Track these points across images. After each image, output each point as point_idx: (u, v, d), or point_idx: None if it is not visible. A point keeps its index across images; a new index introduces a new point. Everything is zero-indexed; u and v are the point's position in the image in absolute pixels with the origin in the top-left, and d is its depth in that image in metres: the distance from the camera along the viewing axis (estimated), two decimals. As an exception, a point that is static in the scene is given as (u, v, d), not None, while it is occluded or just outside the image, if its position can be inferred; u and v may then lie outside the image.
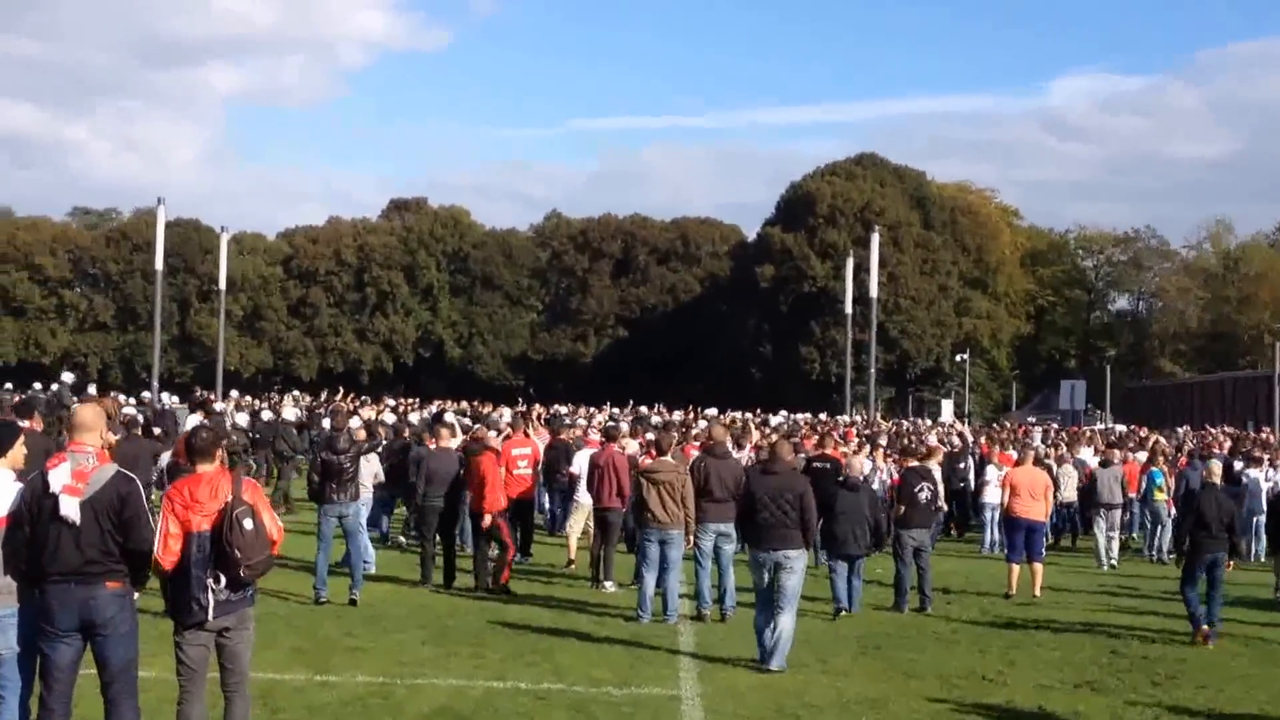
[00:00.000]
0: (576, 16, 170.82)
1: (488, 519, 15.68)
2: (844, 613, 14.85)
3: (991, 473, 22.76)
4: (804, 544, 12.05)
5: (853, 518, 14.84)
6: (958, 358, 79.38)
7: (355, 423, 20.71)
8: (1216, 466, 15.35)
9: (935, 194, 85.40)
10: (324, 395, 41.51)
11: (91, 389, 38.11)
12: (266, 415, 28.54)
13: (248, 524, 7.17)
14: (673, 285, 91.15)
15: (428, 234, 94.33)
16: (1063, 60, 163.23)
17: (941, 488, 17.69)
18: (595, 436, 20.65)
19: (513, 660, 11.46)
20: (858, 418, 45.82)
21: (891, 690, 10.98)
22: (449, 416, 28.45)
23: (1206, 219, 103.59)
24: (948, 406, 65.71)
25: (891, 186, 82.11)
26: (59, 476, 6.97)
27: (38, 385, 40.64)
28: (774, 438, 21.00)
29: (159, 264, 42.80)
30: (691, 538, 14.22)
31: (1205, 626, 14.09)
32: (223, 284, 51.73)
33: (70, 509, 6.91)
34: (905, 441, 24.54)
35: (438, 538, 16.33)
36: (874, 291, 46.68)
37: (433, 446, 17.25)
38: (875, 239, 47.24)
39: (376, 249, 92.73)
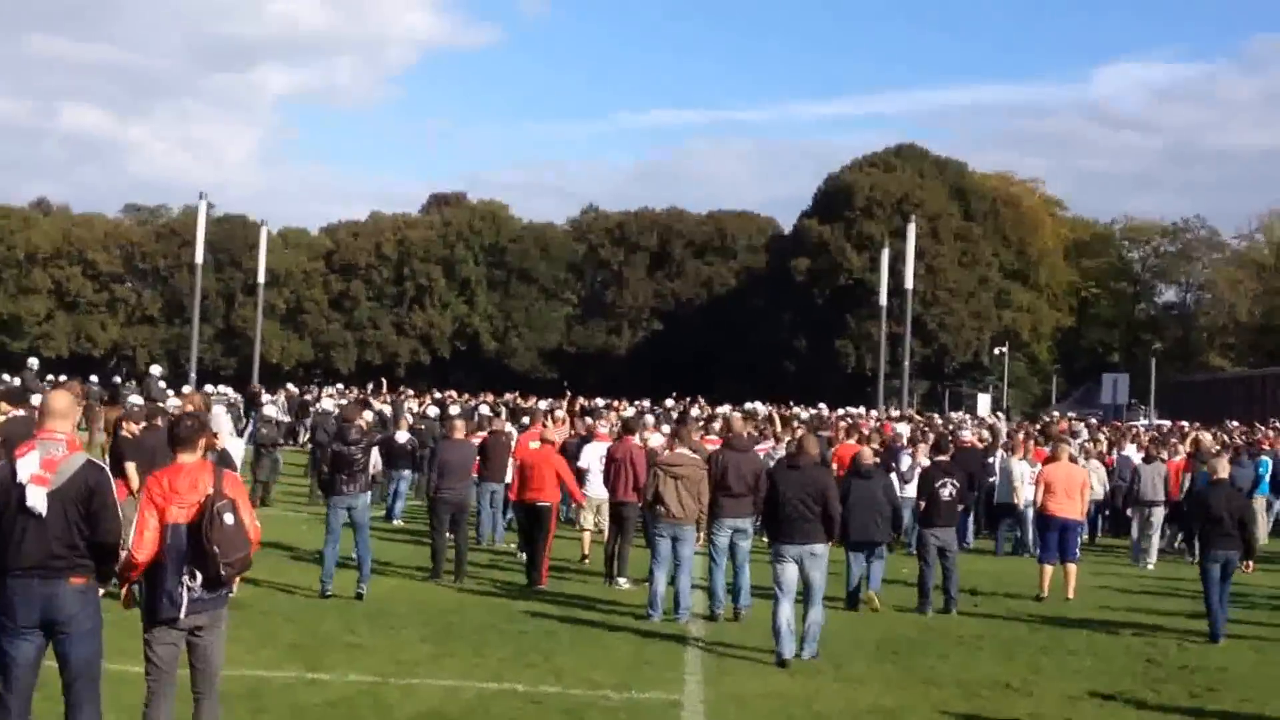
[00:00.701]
0: (622, 13, 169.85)
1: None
2: (874, 602, 14.91)
3: (1021, 470, 21.85)
4: (828, 538, 12.05)
5: (868, 505, 14.78)
6: (996, 351, 78.27)
7: (367, 415, 20.37)
8: (1223, 463, 15.22)
9: (976, 185, 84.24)
10: (370, 387, 41.22)
11: (187, 387, 38.12)
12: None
13: (228, 519, 6.83)
14: (708, 278, 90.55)
15: (466, 228, 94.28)
16: (1107, 48, 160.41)
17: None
18: (604, 430, 20.15)
19: (512, 661, 11.05)
20: (895, 411, 45.07)
21: (908, 699, 10.46)
22: (484, 409, 28.28)
23: (1260, 210, 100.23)
24: (984, 400, 64.62)
25: (931, 177, 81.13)
26: (27, 466, 6.65)
27: (94, 378, 40.93)
28: (799, 431, 20.53)
29: (199, 258, 42.85)
30: (703, 534, 13.74)
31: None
32: (261, 277, 51.77)
33: (36, 500, 6.58)
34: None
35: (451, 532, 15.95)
36: (909, 283, 45.95)
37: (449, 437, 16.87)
38: (911, 229, 46.48)
39: (416, 243, 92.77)
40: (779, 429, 23.70)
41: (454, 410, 27.55)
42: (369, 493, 14.51)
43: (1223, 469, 14.84)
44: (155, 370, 34.64)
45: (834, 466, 20.08)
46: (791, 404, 41.84)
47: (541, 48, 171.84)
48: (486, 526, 19.96)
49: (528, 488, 16.28)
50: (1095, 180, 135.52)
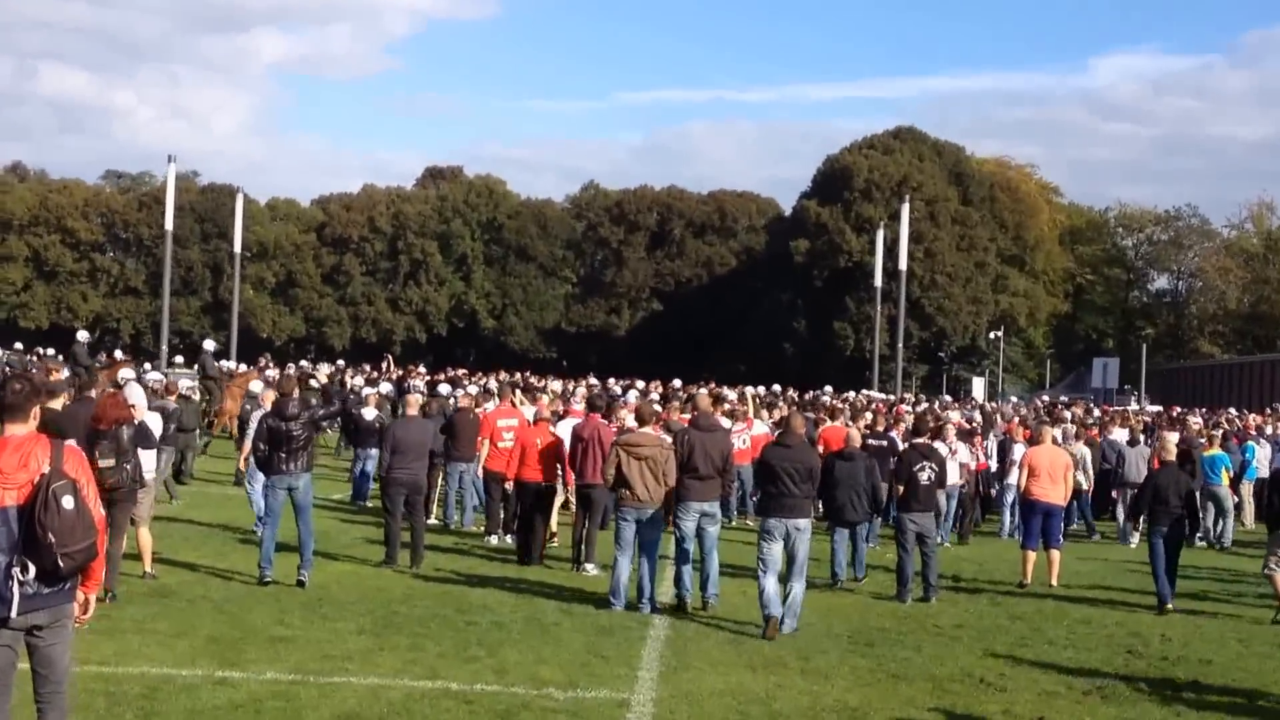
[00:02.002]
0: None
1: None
2: (839, 583, 15.22)
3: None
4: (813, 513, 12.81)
5: (850, 485, 14.96)
6: (992, 335, 77.67)
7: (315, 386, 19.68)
8: (1171, 445, 16.37)
9: (974, 169, 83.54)
10: (385, 365, 40.23)
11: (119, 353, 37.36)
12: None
13: (67, 502, 5.89)
14: (708, 259, 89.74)
15: (463, 202, 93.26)
16: (1104, 39, 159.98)
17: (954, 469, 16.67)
18: (578, 406, 19.44)
19: (452, 655, 10.31)
20: (892, 396, 44.38)
21: (874, 696, 9.78)
22: (491, 385, 27.44)
23: (1249, 200, 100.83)
24: (979, 384, 64.10)
25: (930, 161, 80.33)
26: None
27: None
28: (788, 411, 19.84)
29: (169, 223, 41.87)
30: (671, 518, 13.03)
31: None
32: (237, 247, 50.96)
33: None
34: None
35: (405, 514, 15.22)
36: (903, 264, 45.19)
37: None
38: (905, 209, 45.70)
39: (411, 217, 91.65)
40: (750, 410, 22.90)
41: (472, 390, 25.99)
42: (309, 472, 13.60)
43: (1170, 452, 15.89)
44: (83, 335, 33.06)
45: (819, 448, 19.58)
46: (777, 387, 41.02)
47: (542, 23, 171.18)
48: (453, 509, 19.28)
49: (529, 467, 16.03)
50: (1090, 168, 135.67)
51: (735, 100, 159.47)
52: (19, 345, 44.03)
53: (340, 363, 38.26)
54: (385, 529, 15.17)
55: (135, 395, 13.53)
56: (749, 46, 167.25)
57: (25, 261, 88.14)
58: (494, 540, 17.52)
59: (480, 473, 18.27)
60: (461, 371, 42.65)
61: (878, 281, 51.24)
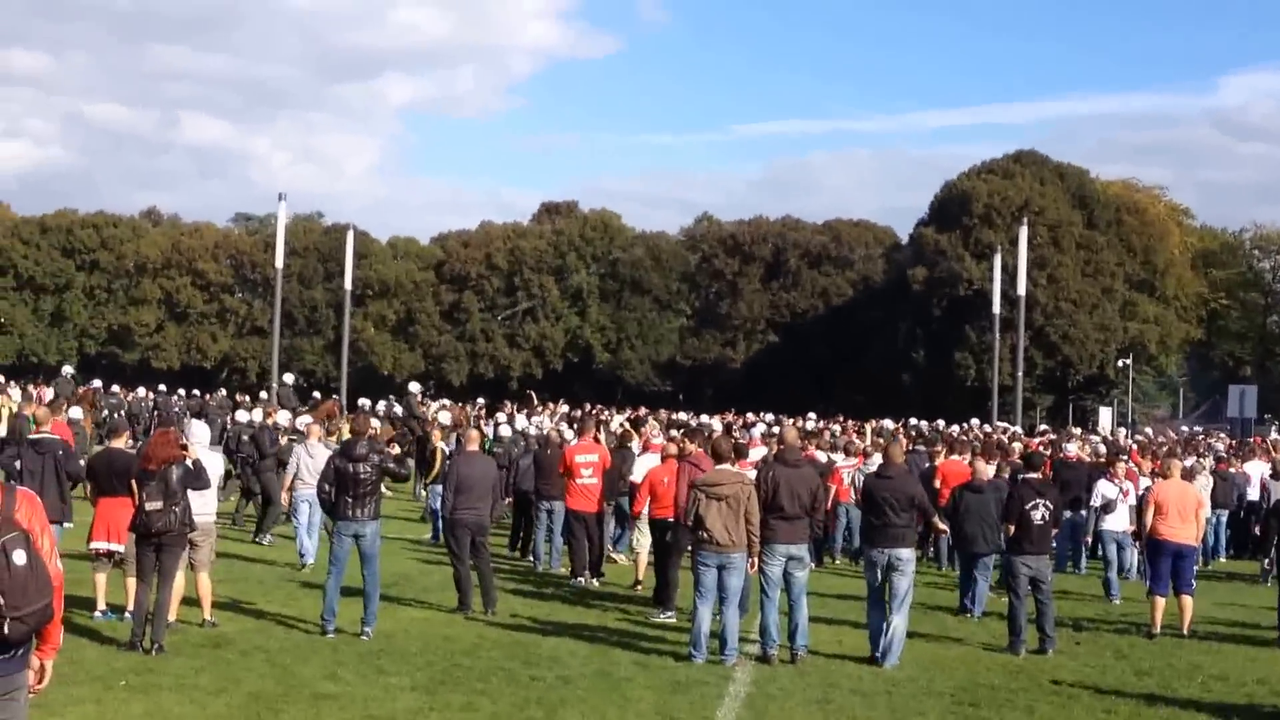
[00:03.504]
0: (742, 24, 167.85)
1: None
2: (968, 614, 15.39)
3: (1108, 490, 19.06)
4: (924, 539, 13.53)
5: (980, 517, 15.38)
6: (1120, 363, 75.03)
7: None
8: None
9: (1099, 192, 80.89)
10: (520, 402, 39.70)
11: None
12: (243, 416, 25.44)
13: (18, 558, 5.17)
14: (824, 289, 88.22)
15: (578, 237, 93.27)
16: (1233, 58, 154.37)
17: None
18: (659, 441, 18.52)
19: (510, 715, 9.43)
20: (1016, 427, 42.82)
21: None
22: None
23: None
24: (1106, 414, 61.66)
25: (1052, 185, 77.90)
26: None
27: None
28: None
29: (279, 261, 42.19)
30: (756, 561, 12.00)
31: None
32: (348, 284, 50.94)
33: None
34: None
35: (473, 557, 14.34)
36: (1022, 289, 43.55)
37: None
38: (1023, 233, 44.12)
39: (527, 253, 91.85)
40: (868, 444, 21.84)
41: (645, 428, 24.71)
42: (378, 520, 12.69)
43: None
44: (66, 370, 32.43)
45: (937, 484, 18.58)
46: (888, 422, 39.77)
47: (661, 59, 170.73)
48: (541, 549, 18.44)
49: (659, 504, 15.08)
50: (1222, 190, 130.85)
51: (853, 130, 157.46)
52: (162, 386, 45.42)
53: (415, 386, 37.41)
54: (455, 574, 14.25)
55: (196, 434, 12.90)
56: (868, 76, 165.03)
57: (158, 304, 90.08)
58: (580, 583, 16.66)
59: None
60: (609, 410, 42.00)
61: (995, 308, 49.57)
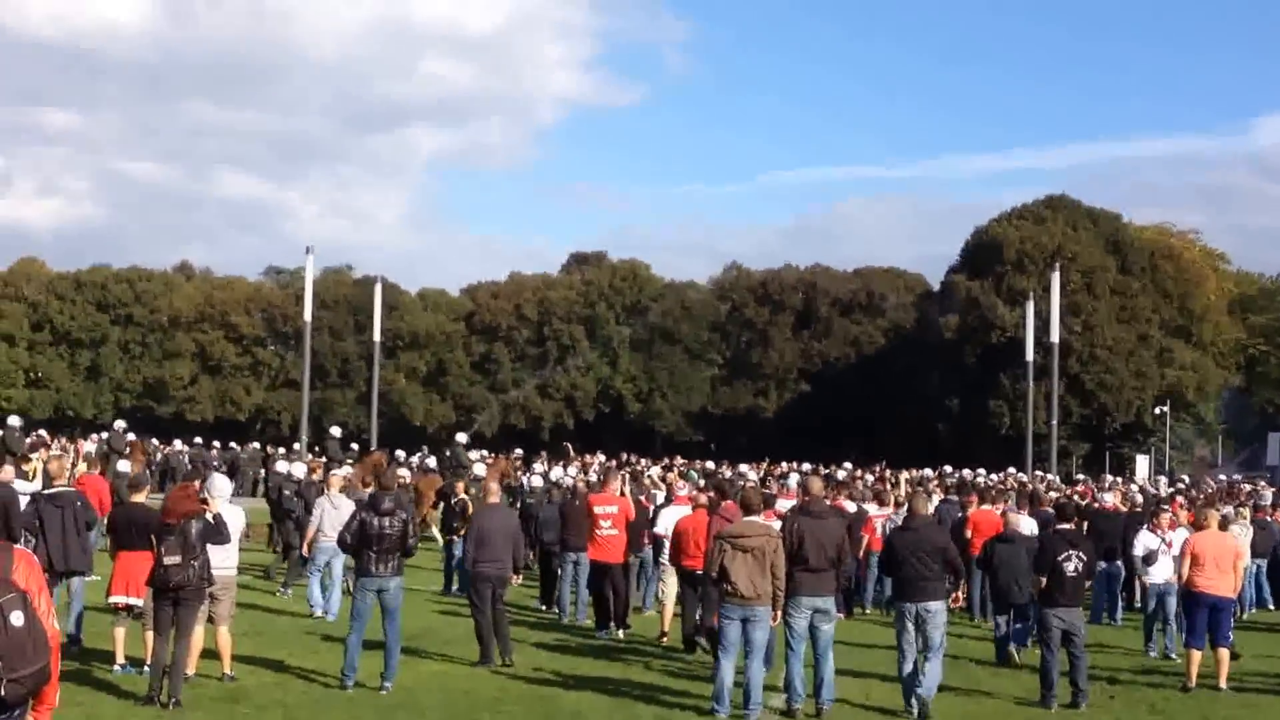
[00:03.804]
0: (769, 71, 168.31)
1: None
2: (1016, 654, 15.55)
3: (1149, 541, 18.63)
4: (953, 589, 12.97)
5: (1012, 568, 15.56)
6: (1157, 410, 74.26)
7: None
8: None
9: (1133, 237, 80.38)
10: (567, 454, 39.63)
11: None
12: (282, 467, 25.34)
13: (16, 619, 5.08)
14: (855, 337, 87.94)
15: (607, 287, 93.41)
16: (1268, 99, 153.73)
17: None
18: (683, 492, 18.36)
19: (525, 772, 9.27)
20: (1052, 475, 42.48)
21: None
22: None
23: None
24: (1143, 463, 61.04)
25: (1085, 230, 77.47)
26: None
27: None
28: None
29: (307, 314, 42.32)
30: (779, 614, 11.79)
31: None
32: (376, 335, 51.11)
33: None
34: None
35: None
36: (1055, 336, 43.24)
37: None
38: (1055, 278, 43.88)
39: (557, 303, 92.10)
40: (901, 494, 21.61)
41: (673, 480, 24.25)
42: (401, 576, 12.52)
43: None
44: (14, 420, 30.60)
45: (969, 534, 18.45)
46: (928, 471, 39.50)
47: (688, 106, 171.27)
48: (567, 600, 18.26)
49: (686, 554, 14.91)
50: (1259, 234, 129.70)
51: (882, 176, 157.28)
52: (198, 439, 45.80)
53: (462, 437, 37.24)
54: (476, 627, 14.11)
55: (216, 487, 12.78)
56: (897, 122, 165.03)
57: (191, 357, 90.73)
58: (605, 635, 16.46)
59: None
60: (643, 461, 41.93)
61: (1029, 355, 49.22)
